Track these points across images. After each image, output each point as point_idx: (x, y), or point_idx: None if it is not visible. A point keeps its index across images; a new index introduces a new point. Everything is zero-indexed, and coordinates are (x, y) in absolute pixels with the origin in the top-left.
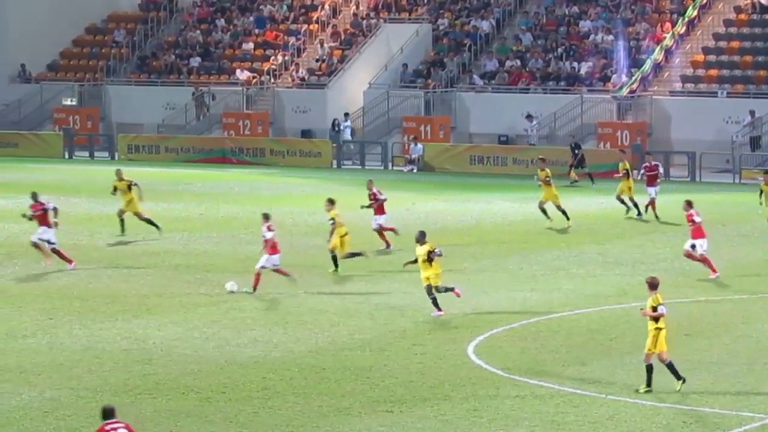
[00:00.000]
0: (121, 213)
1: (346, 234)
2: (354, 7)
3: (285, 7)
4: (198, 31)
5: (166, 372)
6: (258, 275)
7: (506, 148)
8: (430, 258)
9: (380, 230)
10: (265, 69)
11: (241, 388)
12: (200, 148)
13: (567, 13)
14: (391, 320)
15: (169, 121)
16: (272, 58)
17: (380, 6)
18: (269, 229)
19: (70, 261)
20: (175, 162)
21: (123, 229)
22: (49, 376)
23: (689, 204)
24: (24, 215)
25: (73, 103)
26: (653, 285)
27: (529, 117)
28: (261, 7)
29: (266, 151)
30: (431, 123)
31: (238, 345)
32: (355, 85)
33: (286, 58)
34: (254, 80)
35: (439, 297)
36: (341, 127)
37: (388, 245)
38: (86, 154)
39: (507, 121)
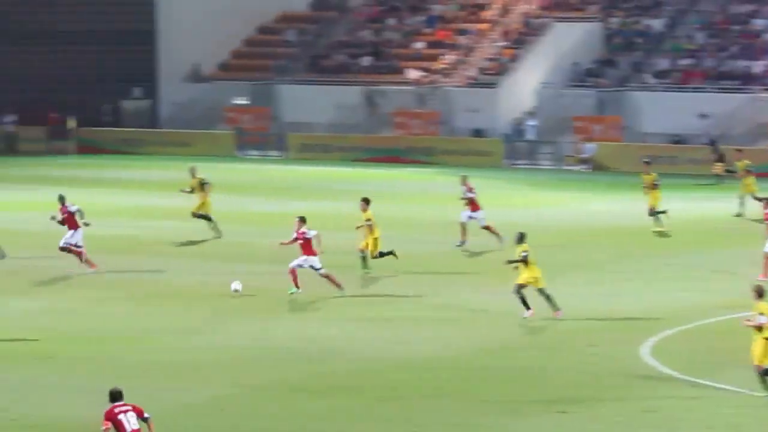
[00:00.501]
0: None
1: (378, 236)
2: (524, 6)
3: (456, 6)
4: (369, 31)
5: (338, 370)
6: (294, 272)
7: (680, 148)
8: (523, 260)
9: (488, 227)
10: (436, 68)
11: (414, 388)
12: (371, 147)
13: (741, 11)
14: (561, 320)
15: (339, 120)
16: (443, 57)
17: (550, 5)
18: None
19: (93, 265)
20: (346, 161)
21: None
22: (218, 374)
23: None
24: (53, 218)
25: (245, 102)
26: (759, 293)
27: (703, 116)
28: (432, 6)
29: (437, 150)
30: (603, 122)
31: (411, 343)
32: (526, 85)
33: (457, 57)
34: (425, 79)
35: (560, 298)
36: (525, 126)
37: (463, 242)
38: (257, 152)
39: (680, 120)
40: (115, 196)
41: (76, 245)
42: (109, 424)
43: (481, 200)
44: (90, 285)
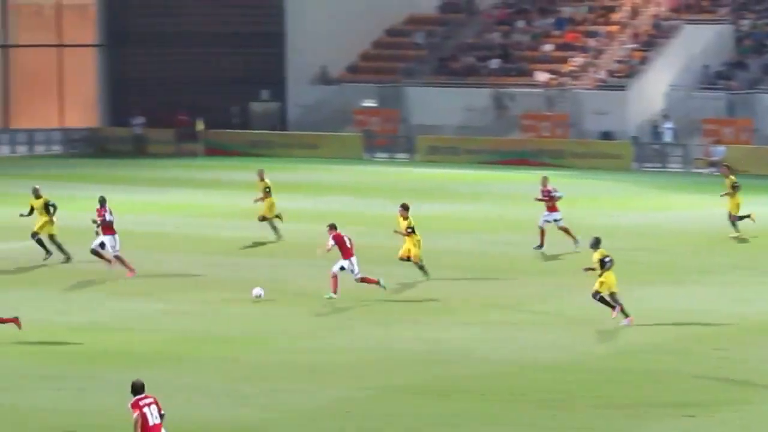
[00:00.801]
0: (263, 219)
1: (419, 241)
2: (654, 8)
3: (586, 8)
4: (498, 33)
5: (462, 374)
6: (335, 278)
7: None
8: (602, 265)
9: (565, 229)
10: (565, 70)
11: (539, 392)
12: (499, 149)
13: None
14: (688, 324)
15: (467, 123)
16: (572, 59)
17: (680, 7)
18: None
19: (110, 261)
20: (474, 164)
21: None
22: (341, 376)
23: None
24: (94, 221)
25: (374, 104)
26: None
27: None
28: (561, 8)
29: (565, 153)
30: (733, 125)
31: (536, 347)
32: (655, 87)
33: (586, 59)
34: (553, 82)
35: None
36: (662, 129)
37: (541, 245)
38: (386, 155)
39: None
40: (241, 198)
41: (112, 248)
42: (139, 412)
43: (607, 204)
44: (212, 287)
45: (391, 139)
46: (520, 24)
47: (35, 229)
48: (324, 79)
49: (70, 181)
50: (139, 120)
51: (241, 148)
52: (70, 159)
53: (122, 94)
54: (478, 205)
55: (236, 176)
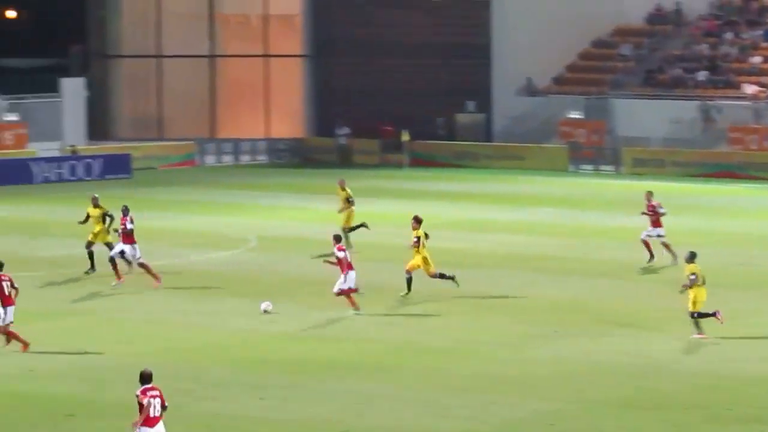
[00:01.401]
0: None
1: (427, 255)
2: None
3: None
4: (705, 45)
5: (666, 388)
6: (349, 294)
7: None
8: (690, 284)
9: (666, 245)
10: None
11: (745, 406)
12: (705, 162)
13: None
14: None
15: (674, 135)
16: None
17: None
18: (339, 249)
19: (120, 278)
20: (680, 176)
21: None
22: (549, 388)
23: None
24: (115, 230)
25: (579, 116)
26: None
27: None
28: None
29: None
30: None
31: (747, 361)
32: None
33: None
34: (762, 94)
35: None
36: None
37: (651, 256)
38: (591, 167)
39: None
40: (445, 209)
41: (134, 257)
42: (147, 399)
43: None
44: (416, 297)
45: (597, 151)
46: (728, 36)
47: (90, 239)
48: (529, 90)
49: (275, 191)
50: (344, 130)
51: (446, 159)
52: (275, 169)
53: (327, 105)
54: (684, 219)
55: (442, 187)
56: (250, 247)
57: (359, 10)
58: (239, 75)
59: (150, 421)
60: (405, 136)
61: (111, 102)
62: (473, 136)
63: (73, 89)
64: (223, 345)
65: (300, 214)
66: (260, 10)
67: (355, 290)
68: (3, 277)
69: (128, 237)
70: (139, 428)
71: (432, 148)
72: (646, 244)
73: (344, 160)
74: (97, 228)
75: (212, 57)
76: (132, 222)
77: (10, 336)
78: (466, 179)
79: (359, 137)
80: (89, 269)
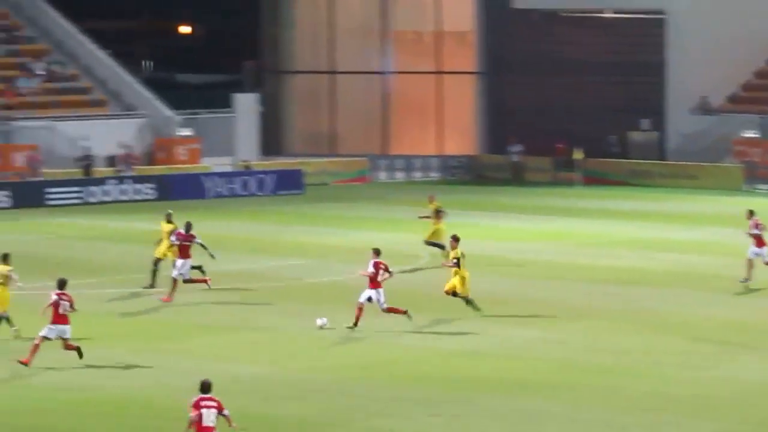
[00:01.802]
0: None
1: (467, 276)
2: None
3: None
4: None
5: None
6: (359, 309)
7: None
8: None
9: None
10: None
11: None
12: None
13: None
14: None
15: None
16: None
17: None
18: (375, 265)
19: (205, 281)
20: None
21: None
22: (725, 409)
23: None
24: (173, 243)
25: (755, 135)
26: None
27: None
28: None
29: None
30: None
31: None
32: None
33: None
34: None
35: None
36: None
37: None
38: (766, 187)
39: None
40: (618, 227)
41: (175, 271)
42: (197, 413)
43: None
44: (590, 315)
45: None
46: None
47: (157, 255)
48: (704, 108)
49: (447, 208)
50: (517, 148)
51: (619, 177)
52: (447, 186)
53: (500, 122)
54: None
55: (615, 205)
56: (421, 264)
57: (533, 28)
58: (412, 91)
59: (204, 431)
60: (578, 154)
61: (284, 118)
62: (646, 155)
63: (247, 105)
64: (395, 361)
65: (472, 231)
66: (433, 27)
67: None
68: (63, 297)
69: (184, 251)
70: None
71: (605, 166)
72: (749, 264)
73: (517, 177)
74: (166, 244)
75: (385, 73)
76: (187, 238)
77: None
78: (639, 198)
79: (532, 155)
80: (148, 285)
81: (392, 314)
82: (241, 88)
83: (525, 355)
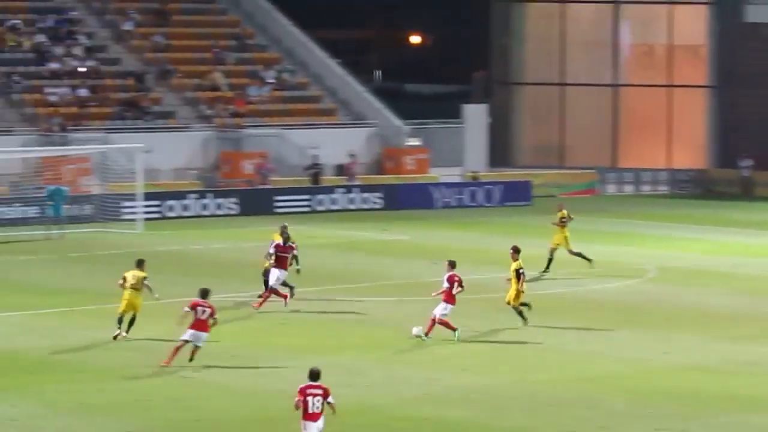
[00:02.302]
0: (552, 251)
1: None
2: None
3: None
4: None
5: None
6: (433, 321)
7: None
8: None
9: None
10: None
11: None
12: None
13: None
14: None
15: None
16: None
17: None
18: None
19: (285, 296)
20: None
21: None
22: None
23: None
24: (269, 254)
25: None
26: None
27: None
28: None
29: None
30: None
31: None
32: None
33: None
34: None
35: None
36: None
37: None
38: None
39: None
40: None
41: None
42: (301, 398)
43: None
44: None
45: None
46: None
47: (266, 265)
48: None
49: (673, 222)
50: (748, 162)
51: None
52: (675, 200)
53: (731, 136)
54: None
55: None
56: (648, 278)
57: (765, 41)
58: (642, 104)
59: (310, 417)
60: None
61: (512, 129)
62: None
63: (476, 116)
64: (619, 375)
65: (701, 245)
66: (665, 40)
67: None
68: (204, 305)
69: (281, 261)
70: (302, 422)
71: None
72: None
73: (746, 192)
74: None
75: (615, 86)
76: (284, 249)
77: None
78: None
79: (763, 169)
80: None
81: (443, 327)
82: (470, 98)
83: (755, 371)
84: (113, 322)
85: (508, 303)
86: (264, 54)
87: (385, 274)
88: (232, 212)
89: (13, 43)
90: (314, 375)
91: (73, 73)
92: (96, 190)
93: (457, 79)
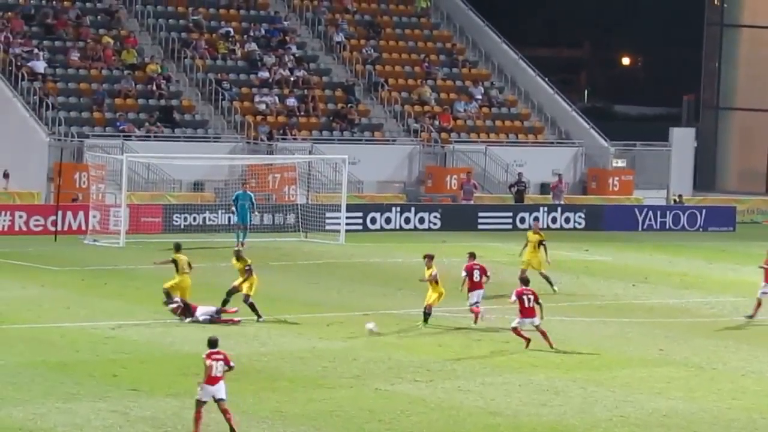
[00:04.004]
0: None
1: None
2: None
3: None
4: None
5: None
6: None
7: None
8: None
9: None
10: None
11: None
12: None
13: None
14: None
15: None
16: None
17: None
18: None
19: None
20: None
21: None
22: None
23: None
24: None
25: None
26: None
27: None
28: None
29: None
30: None
31: None
32: None
33: None
34: None
35: None
36: None
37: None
38: None
39: None
40: None
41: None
42: (209, 362)
43: None
44: None
45: None
46: None
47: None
48: None
49: None
50: None
51: None
52: None
53: None
54: None
55: None
56: None
57: None
58: None
59: (211, 380)
60: None
61: (719, 153)
62: None
63: (683, 139)
64: None
65: None
66: None
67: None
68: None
69: (476, 285)
70: (202, 386)
71: None
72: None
73: None
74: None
75: None
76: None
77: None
78: None
79: None
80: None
81: (517, 336)
82: (678, 121)
83: None
84: (312, 330)
85: (427, 306)
86: (473, 70)
87: (586, 294)
88: (435, 227)
89: (225, 51)
90: (213, 343)
91: (282, 83)
92: (300, 200)
93: (666, 101)
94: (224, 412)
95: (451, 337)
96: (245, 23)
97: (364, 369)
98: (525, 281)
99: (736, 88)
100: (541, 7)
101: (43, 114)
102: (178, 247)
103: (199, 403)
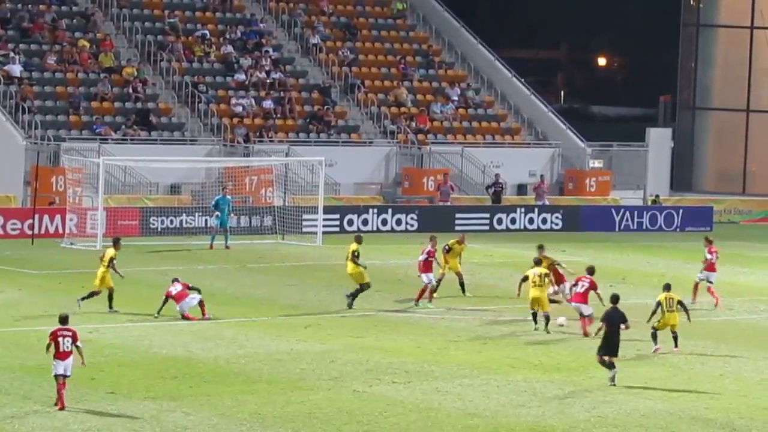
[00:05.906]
0: None
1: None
2: None
3: None
4: None
5: None
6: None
7: None
8: None
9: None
10: None
11: None
12: None
13: None
14: None
15: None
16: None
17: None
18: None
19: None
20: None
21: None
22: None
23: None
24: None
25: None
26: None
27: None
28: None
29: None
30: None
31: None
32: None
33: None
34: None
35: None
36: None
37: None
38: None
39: None
40: None
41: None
42: (52, 340)
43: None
44: None
45: None
46: None
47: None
48: None
49: None
50: None
51: None
52: None
53: None
54: None
55: None
56: None
57: None
58: None
59: (61, 355)
60: None
61: (696, 154)
62: None
63: (660, 139)
64: None
65: None
66: None
67: None
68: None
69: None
70: (54, 361)
71: None
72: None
73: None
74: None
75: None
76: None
77: None
78: None
79: None
80: None
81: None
82: (654, 122)
83: None
84: (290, 332)
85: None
86: (450, 71)
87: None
88: (412, 228)
89: (201, 54)
90: (63, 319)
91: (259, 85)
92: (277, 202)
93: (642, 101)
94: (62, 385)
95: (429, 339)
96: (221, 26)
97: (342, 371)
98: (591, 271)
99: (712, 89)
100: (518, 8)
101: (19, 117)
102: (115, 242)
103: (58, 377)
